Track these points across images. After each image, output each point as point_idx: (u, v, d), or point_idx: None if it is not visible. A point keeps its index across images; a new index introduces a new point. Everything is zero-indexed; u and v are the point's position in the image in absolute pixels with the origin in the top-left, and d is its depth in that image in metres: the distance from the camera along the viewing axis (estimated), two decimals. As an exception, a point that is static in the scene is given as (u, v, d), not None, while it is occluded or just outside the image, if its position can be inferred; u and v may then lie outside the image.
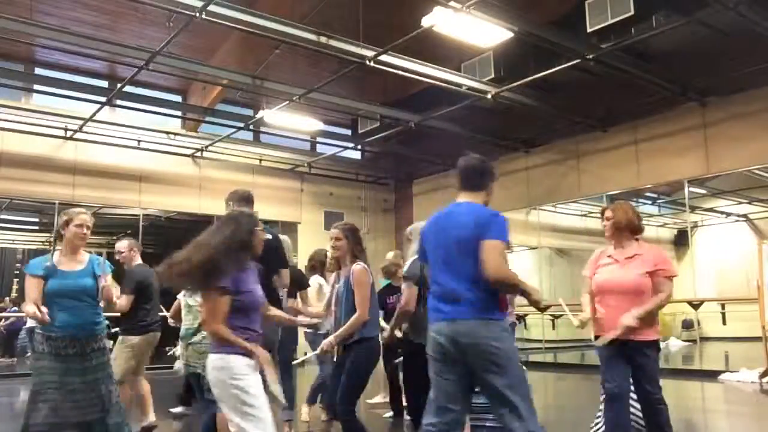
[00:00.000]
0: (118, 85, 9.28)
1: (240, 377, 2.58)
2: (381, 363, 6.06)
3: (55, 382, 3.36)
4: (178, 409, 6.12)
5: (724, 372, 8.75)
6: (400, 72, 8.33)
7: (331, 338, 3.73)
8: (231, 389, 2.58)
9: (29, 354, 3.48)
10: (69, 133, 10.38)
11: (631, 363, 3.47)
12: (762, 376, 7.95)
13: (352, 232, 3.85)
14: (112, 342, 4.82)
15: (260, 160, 12.44)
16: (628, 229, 3.56)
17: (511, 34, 7.33)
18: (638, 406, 3.87)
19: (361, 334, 3.77)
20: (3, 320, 12.57)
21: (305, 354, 4.47)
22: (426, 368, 2.97)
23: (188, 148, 11.61)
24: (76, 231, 3.53)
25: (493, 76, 9.19)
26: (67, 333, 3.42)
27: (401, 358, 4.52)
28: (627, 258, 3.54)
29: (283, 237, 4.40)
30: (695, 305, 11.87)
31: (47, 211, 11.05)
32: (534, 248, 12.79)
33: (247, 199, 4.02)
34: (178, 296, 4.91)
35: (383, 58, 7.97)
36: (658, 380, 3.50)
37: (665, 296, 3.44)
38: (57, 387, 3.35)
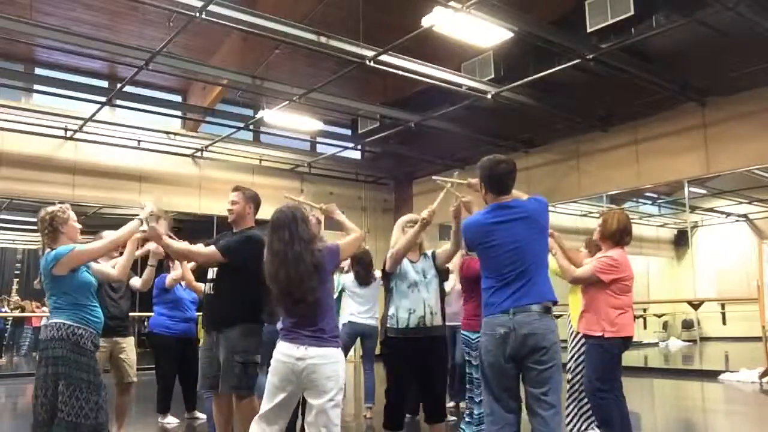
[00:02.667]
0: (118, 85, 9.28)
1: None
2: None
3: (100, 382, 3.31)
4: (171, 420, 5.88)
5: (724, 372, 8.76)
6: (400, 72, 8.32)
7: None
8: (341, 382, 2.86)
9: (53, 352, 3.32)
10: (69, 133, 10.37)
11: None
12: (762, 376, 7.96)
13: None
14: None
15: (260, 160, 12.44)
16: (609, 239, 3.90)
17: (511, 34, 7.33)
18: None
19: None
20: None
21: None
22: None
23: (188, 148, 11.61)
24: (76, 226, 3.47)
25: (493, 76, 9.17)
26: (100, 329, 3.40)
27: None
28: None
29: None
30: (695, 305, 11.89)
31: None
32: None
33: (258, 202, 3.99)
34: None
35: (383, 58, 7.96)
36: (596, 374, 3.79)
37: (567, 263, 4.01)
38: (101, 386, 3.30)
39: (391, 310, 3.80)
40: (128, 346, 4.77)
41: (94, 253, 3.43)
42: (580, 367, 4.40)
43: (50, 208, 3.38)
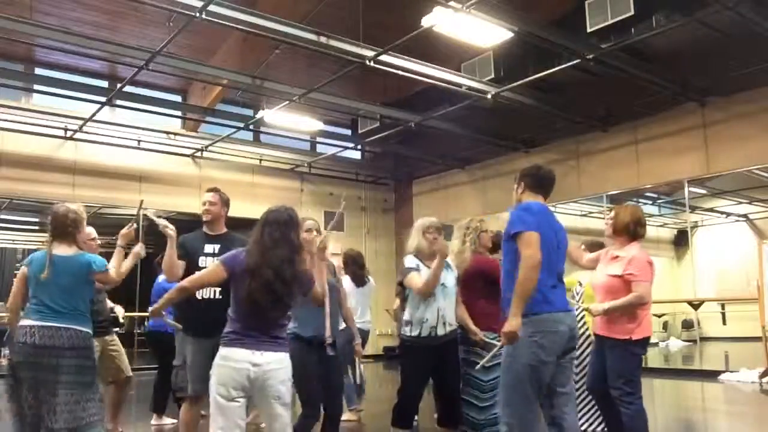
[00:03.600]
0: (118, 85, 9.28)
1: None
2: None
3: None
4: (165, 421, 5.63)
5: (724, 372, 8.76)
6: (400, 72, 8.32)
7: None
8: (290, 385, 2.85)
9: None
10: (69, 133, 10.38)
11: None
12: (762, 376, 7.95)
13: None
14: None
15: (260, 160, 12.44)
16: (623, 232, 3.75)
17: (511, 34, 7.33)
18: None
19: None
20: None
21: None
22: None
23: (188, 148, 11.61)
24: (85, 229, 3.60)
25: (493, 76, 9.18)
26: None
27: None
28: (611, 258, 3.77)
29: None
30: (695, 305, 11.89)
31: (47, 211, 11.01)
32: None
33: (229, 206, 4.02)
34: None
35: (383, 58, 7.96)
36: (623, 378, 3.57)
37: (632, 297, 3.57)
38: None
39: (406, 317, 3.89)
40: (117, 342, 4.79)
41: (111, 282, 3.53)
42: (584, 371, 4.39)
43: (72, 206, 3.42)
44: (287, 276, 2.78)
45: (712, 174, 10.06)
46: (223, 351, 2.76)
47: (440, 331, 3.77)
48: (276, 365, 2.74)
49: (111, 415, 4.79)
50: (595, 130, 10.67)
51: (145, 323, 10.29)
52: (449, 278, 3.89)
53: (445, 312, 3.79)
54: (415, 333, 3.79)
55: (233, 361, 2.71)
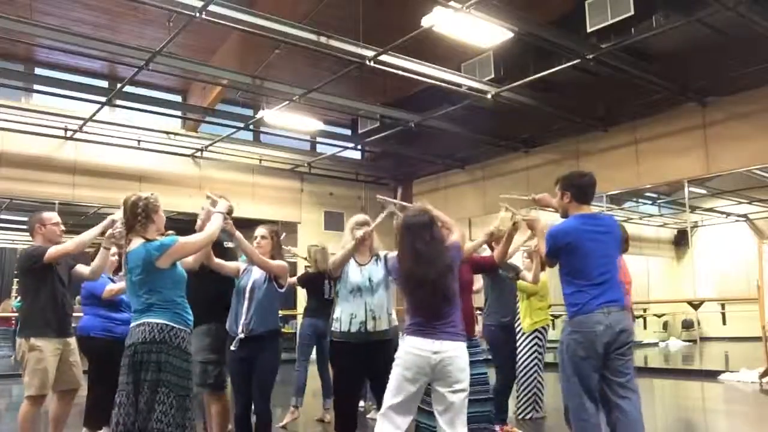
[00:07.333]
0: (118, 85, 9.28)
1: None
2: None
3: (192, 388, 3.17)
4: None
5: (724, 372, 8.77)
6: (400, 72, 8.32)
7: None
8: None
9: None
10: (69, 133, 10.38)
11: None
12: (762, 376, 7.96)
13: (276, 234, 3.99)
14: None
15: (260, 160, 12.44)
16: None
17: (511, 34, 7.33)
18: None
19: (272, 326, 3.76)
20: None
21: None
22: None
23: (188, 148, 11.61)
24: (163, 216, 3.30)
25: (492, 76, 9.18)
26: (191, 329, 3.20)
27: None
28: None
29: None
30: (695, 305, 11.90)
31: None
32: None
33: None
34: None
35: (383, 58, 7.96)
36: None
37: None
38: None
39: (336, 314, 3.77)
40: (76, 348, 4.34)
41: (197, 245, 3.24)
42: (527, 362, 5.65)
43: (143, 195, 3.17)
44: (441, 272, 3.01)
45: (712, 174, 10.08)
46: (408, 339, 3.02)
47: (370, 327, 3.63)
48: (453, 353, 2.95)
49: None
50: (594, 130, 10.67)
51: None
52: (378, 274, 3.74)
53: (374, 306, 3.66)
54: (344, 329, 3.67)
55: (414, 349, 2.98)
